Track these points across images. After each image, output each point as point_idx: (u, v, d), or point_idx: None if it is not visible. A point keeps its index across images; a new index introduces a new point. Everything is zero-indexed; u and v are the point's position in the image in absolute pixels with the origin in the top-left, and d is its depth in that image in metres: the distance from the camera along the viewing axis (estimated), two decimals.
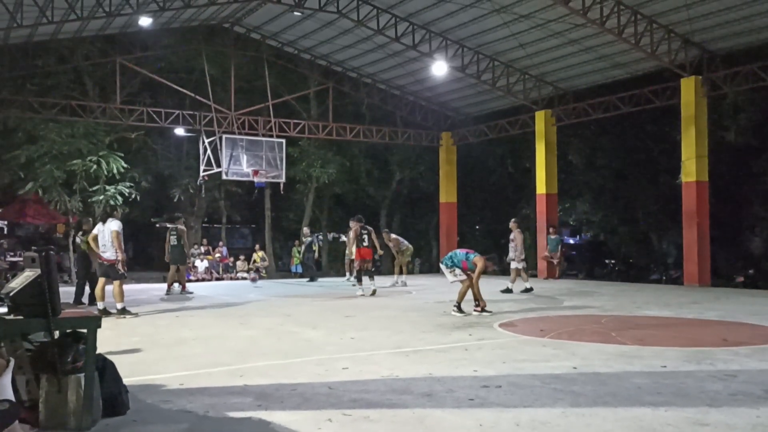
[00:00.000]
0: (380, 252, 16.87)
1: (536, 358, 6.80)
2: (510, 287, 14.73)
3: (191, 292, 15.68)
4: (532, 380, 5.77)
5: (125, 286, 11.32)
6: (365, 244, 15.09)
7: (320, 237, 20.18)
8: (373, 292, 14.66)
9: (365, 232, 15.19)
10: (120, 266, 10.86)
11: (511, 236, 15.04)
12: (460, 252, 11.00)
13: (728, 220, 24.49)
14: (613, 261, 31.19)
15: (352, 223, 16.03)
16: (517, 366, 6.40)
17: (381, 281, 18.46)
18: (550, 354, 7.07)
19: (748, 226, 27.00)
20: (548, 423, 4.52)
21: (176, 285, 15.74)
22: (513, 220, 15.74)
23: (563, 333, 8.59)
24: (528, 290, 14.63)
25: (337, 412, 4.78)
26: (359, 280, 15.19)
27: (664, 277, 26.10)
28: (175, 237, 15.65)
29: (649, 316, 10.61)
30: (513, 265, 14.89)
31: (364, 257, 15.13)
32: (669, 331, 9.04)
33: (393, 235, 18.74)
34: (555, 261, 20.58)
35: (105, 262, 10.92)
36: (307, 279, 20.63)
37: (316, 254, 21.43)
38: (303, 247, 21.22)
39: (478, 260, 10.57)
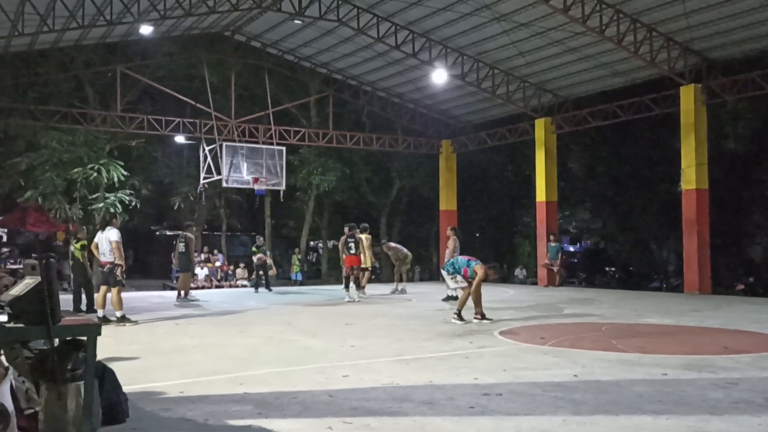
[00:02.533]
0: (372, 261, 17.33)
1: (537, 366, 6.78)
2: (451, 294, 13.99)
3: (196, 299, 15.70)
4: (532, 388, 5.75)
5: (123, 294, 11.32)
6: (352, 252, 15.40)
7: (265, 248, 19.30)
8: (352, 301, 14.99)
9: (352, 240, 15.49)
10: (118, 272, 10.85)
11: (449, 243, 14.69)
12: (462, 259, 10.97)
13: (728, 228, 24.49)
14: (613, 269, 31.21)
15: (363, 232, 16.37)
16: (518, 374, 6.38)
17: (381, 289, 18.50)
18: (551, 362, 7.05)
19: (748, 234, 27.00)
20: (549, 431, 4.51)
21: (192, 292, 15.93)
22: (450, 227, 15.66)
23: (564, 341, 8.57)
24: (453, 298, 13.62)
25: (337, 420, 4.76)
26: (347, 287, 15.50)
27: (664, 285, 26.10)
28: (183, 244, 15.69)
29: (650, 324, 10.59)
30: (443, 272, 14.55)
31: (351, 264, 15.48)
32: (670, 339, 9.02)
33: (392, 244, 18.76)
34: (555, 269, 20.57)
35: (105, 266, 10.93)
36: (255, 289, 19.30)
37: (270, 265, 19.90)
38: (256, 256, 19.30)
39: (479, 268, 10.55)
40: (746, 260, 26.61)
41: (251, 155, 20.53)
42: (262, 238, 20.88)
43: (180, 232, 16.31)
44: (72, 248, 13.99)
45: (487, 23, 17.44)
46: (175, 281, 20.95)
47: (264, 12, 18.69)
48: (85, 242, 12.86)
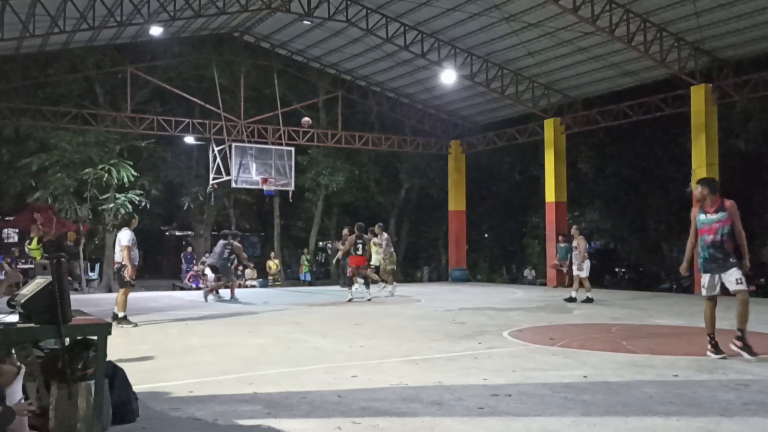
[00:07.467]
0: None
1: (546, 367, 6.75)
2: (573, 296, 14.58)
3: (213, 300, 15.89)
4: (542, 389, 5.73)
5: (132, 294, 11.35)
6: (359, 252, 15.59)
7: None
8: (368, 300, 15.22)
9: (360, 241, 15.69)
10: (126, 274, 10.85)
11: (574, 243, 14.78)
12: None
13: None
14: (623, 269, 31.08)
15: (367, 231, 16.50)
16: (527, 375, 6.36)
17: (372, 288, 18.19)
18: (561, 363, 7.03)
19: (759, 235, 26.81)
20: None
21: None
22: (575, 226, 15.80)
23: (573, 342, 8.54)
24: (588, 300, 14.16)
25: (346, 421, 4.76)
26: (349, 286, 15.75)
27: (674, 286, 25.95)
28: (229, 251, 16.12)
29: (660, 324, 10.54)
30: (575, 272, 14.73)
31: (358, 264, 15.70)
32: (680, 340, 8.98)
33: (386, 234, 17.97)
34: (564, 269, 20.48)
35: (116, 265, 11.06)
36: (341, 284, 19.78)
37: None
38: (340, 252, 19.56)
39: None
40: (757, 261, 26.42)
41: (260, 156, 20.57)
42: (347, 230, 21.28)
43: (225, 240, 16.33)
44: (26, 249, 13.88)
45: (496, 23, 17.41)
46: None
47: (273, 13, 18.73)
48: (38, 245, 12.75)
